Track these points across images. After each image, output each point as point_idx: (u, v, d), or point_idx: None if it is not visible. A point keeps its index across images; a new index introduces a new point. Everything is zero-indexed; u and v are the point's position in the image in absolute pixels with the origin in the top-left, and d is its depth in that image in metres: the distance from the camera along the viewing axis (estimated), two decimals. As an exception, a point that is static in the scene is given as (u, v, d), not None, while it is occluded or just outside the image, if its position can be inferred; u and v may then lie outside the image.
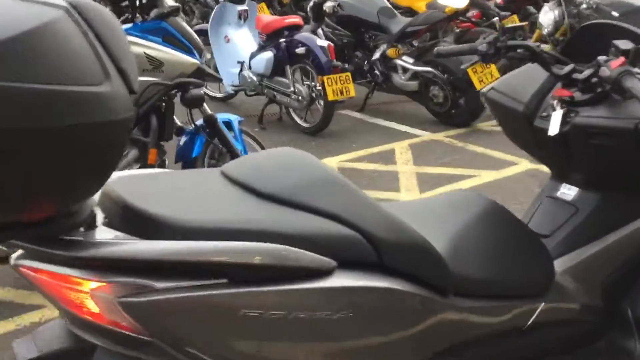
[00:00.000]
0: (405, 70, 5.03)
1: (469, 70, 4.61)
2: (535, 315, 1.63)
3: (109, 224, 1.17)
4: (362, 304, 1.24)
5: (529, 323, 1.62)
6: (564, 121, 1.70)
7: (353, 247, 1.25)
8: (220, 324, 1.15)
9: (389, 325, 1.29)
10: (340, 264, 1.22)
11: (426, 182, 3.89)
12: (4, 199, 0.95)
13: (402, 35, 5.00)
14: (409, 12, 5.80)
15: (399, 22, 5.07)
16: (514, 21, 5.48)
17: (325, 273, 1.20)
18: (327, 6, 5.27)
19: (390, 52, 5.13)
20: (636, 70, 1.50)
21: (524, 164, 4.14)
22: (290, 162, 1.37)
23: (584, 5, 4.61)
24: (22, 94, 0.89)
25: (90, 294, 1.09)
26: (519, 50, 1.84)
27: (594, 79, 1.66)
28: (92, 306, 1.11)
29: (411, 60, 4.98)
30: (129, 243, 1.10)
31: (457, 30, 5.65)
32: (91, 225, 1.13)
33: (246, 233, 1.15)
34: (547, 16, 4.83)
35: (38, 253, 1.10)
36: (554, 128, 1.71)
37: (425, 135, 4.82)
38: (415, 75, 4.99)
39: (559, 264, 1.72)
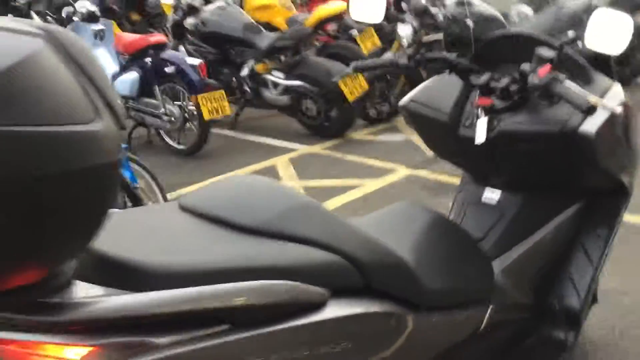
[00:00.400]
0: (275, 85, 5.03)
1: (340, 83, 4.71)
2: (486, 318, 1.68)
3: (80, 276, 1.02)
4: (359, 331, 1.21)
5: (482, 327, 1.67)
6: (489, 128, 1.78)
7: (341, 273, 1.21)
8: None
9: (382, 347, 1.26)
10: (332, 293, 1.18)
11: (316, 196, 3.89)
12: None
13: (271, 51, 4.99)
14: (268, 27, 5.81)
15: (266, 38, 5.06)
16: (371, 34, 5.67)
17: (321, 304, 1.15)
18: (189, 23, 5.14)
19: (259, 67, 5.11)
20: (562, 76, 1.60)
21: (402, 171, 4.30)
22: (259, 191, 1.30)
23: (440, 17, 4.89)
24: (9, 138, 0.75)
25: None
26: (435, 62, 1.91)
27: (513, 87, 1.75)
28: None
29: (282, 75, 4.99)
30: (117, 298, 0.97)
31: (319, 45, 5.75)
32: (69, 281, 0.98)
33: (238, 271, 1.07)
34: (405, 29, 5.06)
35: (6, 321, 0.94)
36: (480, 136, 1.78)
37: (303, 149, 4.85)
38: (286, 90, 5.00)
39: (495, 267, 1.79)
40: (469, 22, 4.90)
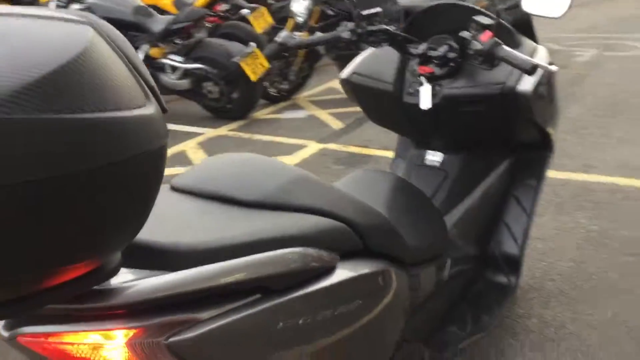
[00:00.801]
0: (174, 69, 4.94)
1: (242, 63, 4.71)
2: (447, 270, 1.82)
3: None
4: (366, 288, 1.28)
5: (446, 279, 1.81)
6: (432, 94, 1.91)
7: (345, 238, 1.27)
8: (262, 343, 1.09)
9: (382, 302, 1.35)
10: (340, 257, 1.25)
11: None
12: (38, 264, 0.77)
13: (166, 34, 4.88)
14: (156, 10, 5.66)
15: (159, 21, 4.93)
16: (263, 13, 5.69)
17: (333, 268, 1.22)
18: (74, 10, 4.89)
19: (154, 52, 4.98)
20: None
21: (312, 145, 4.40)
22: (254, 166, 1.33)
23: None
24: (88, 125, 0.74)
25: (128, 344, 0.95)
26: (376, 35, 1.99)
27: (451, 54, 1.88)
28: (127, 358, 0.97)
29: (180, 59, 4.90)
30: (156, 279, 0.98)
31: (210, 25, 5.68)
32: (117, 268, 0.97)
33: (258, 244, 1.11)
34: (299, 5, 5.13)
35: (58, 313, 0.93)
36: (425, 102, 1.90)
37: (209, 132, 4.81)
38: (186, 73, 4.92)
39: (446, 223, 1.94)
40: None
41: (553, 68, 1.65)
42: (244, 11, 5.74)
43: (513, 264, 2.10)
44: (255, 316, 1.05)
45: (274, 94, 5.45)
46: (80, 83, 0.74)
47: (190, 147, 4.48)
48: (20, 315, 0.91)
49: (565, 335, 2.30)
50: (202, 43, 4.87)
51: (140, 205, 0.85)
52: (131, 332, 0.95)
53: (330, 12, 5.15)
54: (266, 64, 4.89)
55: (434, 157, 2.06)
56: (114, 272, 0.91)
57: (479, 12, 1.82)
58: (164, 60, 4.92)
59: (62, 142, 0.71)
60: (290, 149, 4.36)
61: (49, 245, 0.74)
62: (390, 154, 3.86)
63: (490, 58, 1.71)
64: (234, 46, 4.84)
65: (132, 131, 0.78)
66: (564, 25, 6.57)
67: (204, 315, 0.99)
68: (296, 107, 5.38)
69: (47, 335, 0.95)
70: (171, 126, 4.96)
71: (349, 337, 1.24)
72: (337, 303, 1.19)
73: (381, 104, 2.04)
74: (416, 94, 1.94)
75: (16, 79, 0.69)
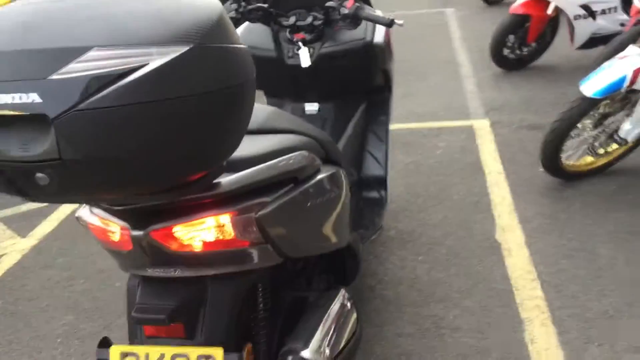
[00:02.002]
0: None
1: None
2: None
3: None
4: (337, 183, 1.75)
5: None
6: (310, 55, 2.40)
7: (317, 149, 1.73)
8: (298, 217, 1.50)
9: (344, 193, 1.82)
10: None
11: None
12: (193, 158, 1.12)
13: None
14: None
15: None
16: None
17: (319, 168, 1.66)
18: None
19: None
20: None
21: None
22: None
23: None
24: (233, 53, 1.11)
25: (232, 220, 1.31)
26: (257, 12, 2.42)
27: (317, 22, 2.39)
28: (226, 234, 1.33)
29: None
30: (235, 176, 1.35)
31: None
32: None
33: (279, 152, 1.51)
34: None
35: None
36: (305, 61, 2.39)
37: None
38: None
39: None
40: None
41: (401, 22, 2.25)
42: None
43: (381, 182, 2.70)
44: (295, 197, 1.47)
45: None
46: (222, 23, 1.10)
47: None
48: (178, 197, 1.22)
49: (417, 235, 2.99)
50: None
51: (243, 125, 1.21)
52: (230, 215, 1.31)
53: None
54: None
55: (311, 107, 2.56)
56: (219, 175, 1.28)
57: None
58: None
59: (208, 66, 1.06)
60: None
61: (202, 151, 1.10)
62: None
63: (355, 19, 2.25)
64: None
65: (247, 60, 1.16)
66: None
67: (269, 199, 1.38)
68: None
69: (172, 226, 1.27)
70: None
71: (335, 216, 1.71)
72: (328, 191, 1.65)
73: (267, 70, 2.47)
74: (296, 57, 2.41)
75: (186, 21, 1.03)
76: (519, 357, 2.19)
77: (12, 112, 0.96)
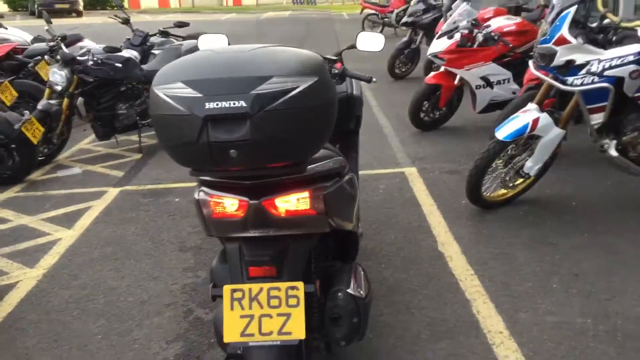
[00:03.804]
0: (-53, 143, 5.08)
1: (23, 129, 5.17)
2: None
3: None
4: (355, 183, 2.50)
5: None
6: None
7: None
8: (341, 199, 2.23)
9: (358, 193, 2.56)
10: None
11: (65, 218, 4.47)
12: (315, 144, 1.88)
13: None
14: None
15: None
16: (8, 87, 6.09)
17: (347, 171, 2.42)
18: None
19: None
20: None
21: (112, 190, 5.13)
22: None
23: (90, 62, 5.79)
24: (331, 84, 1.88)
25: (311, 195, 2.03)
26: None
27: None
28: (305, 205, 2.04)
29: (-49, 131, 5.08)
30: (314, 165, 2.08)
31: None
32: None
33: (330, 156, 2.26)
34: (57, 76, 5.75)
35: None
36: None
37: (-1, 196, 5.09)
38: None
39: None
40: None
41: (375, 79, 3.07)
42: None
43: None
44: (341, 185, 2.20)
45: (39, 158, 5.85)
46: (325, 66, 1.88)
47: (-7, 210, 4.77)
48: (288, 175, 1.95)
49: (377, 250, 3.74)
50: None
51: (332, 127, 1.97)
52: (309, 192, 2.03)
53: (88, 79, 5.86)
54: (42, 128, 5.40)
55: None
56: (309, 163, 2.01)
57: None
58: None
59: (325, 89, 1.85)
60: (94, 196, 5.02)
61: (320, 139, 1.86)
62: (180, 185, 4.90)
63: (342, 77, 3.05)
64: (10, 115, 5.25)
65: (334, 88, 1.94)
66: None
67: (329, 184, 2.12)
68: (64, 167, 5.91)
69: (274, 198, 1.98)
70: (-47, 198, 5.07)
71: (355, 205, 2.44)
72: (352, 187, 2.38)
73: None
74: None
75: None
76: (470, 322, 2.96)
77: (228, 112, 1.69)
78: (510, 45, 5.90)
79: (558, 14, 3.69)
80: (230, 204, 2.04)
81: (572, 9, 3.62)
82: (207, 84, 1.75)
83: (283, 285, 2.05)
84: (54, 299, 3.37)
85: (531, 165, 4.07)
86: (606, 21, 3.91)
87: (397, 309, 3.10)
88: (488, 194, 4.24)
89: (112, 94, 6.10)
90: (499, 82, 6.07)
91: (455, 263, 3.55)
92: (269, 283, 2.06)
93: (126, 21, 7.59)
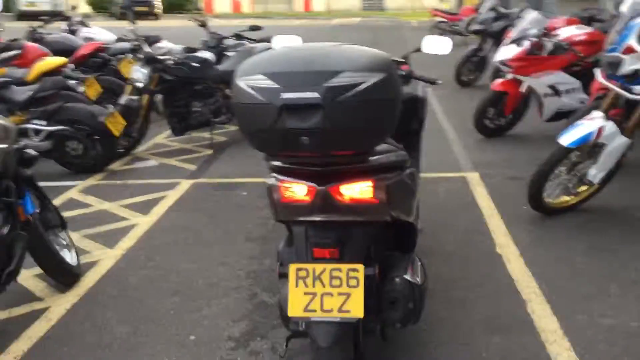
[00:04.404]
0: (37, 132, 5.49)
1: (107, 121, 5.53)
2: None
3: None
4: (416, 178, 2.64)
5: None
6: None
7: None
8: (402, 191, 2.36)
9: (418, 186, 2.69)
10: None
11: (142, 205, 4.78)
12: (379, 135, 2.04)
13: (29, 103, 5.45)
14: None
15: (20, 91, 5.48)
16: (93, 83, 6.49)
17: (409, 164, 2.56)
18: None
19: (14, 120, 5.47)
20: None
21: (185, 182, 5.42)
22: None
23: (170, 61, 6.13)
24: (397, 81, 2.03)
25: (374, 185, 2.18)
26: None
27: None
28: (368, 194, 2.19)
29: (44, 122, 5.48)
30: (377, 157, 2.24)
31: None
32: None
33: (394, 150, 2.40)
34: (139, 73, 6.11)
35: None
36: None
37: (82, 183, 5.45)
38: (49, 135, 5.51)
39: None
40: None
41: (440, 81, 3.19)
42: (72, 82, 6.43)
43: None
44: (402, 177, 2.34)
45: (119, 150, 6.22)
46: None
47: (75, 195, 5.13)
48: (354, 164, 2.11)
49: (435, 248, 3.83)
50: (64, 107, 5.53)
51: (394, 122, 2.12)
52: (372, 181, 2.18)
53: (167, 77, 6.21)
54: (124, 122, 5.76)
55: None
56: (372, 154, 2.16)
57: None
58: (27, 126, 5.45)
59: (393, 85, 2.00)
60: (168, 186, 5.32)
61: (383, 131, 2.02)
62: (248, 180, 5.13)
63: (408, 78, 3.18)
64: (95, 108, 5.63)
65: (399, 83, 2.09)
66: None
67: (392, 175, 2.27)
68: (141, 159, 6.26)
69: (339, 185, 2.13)
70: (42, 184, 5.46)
71: (415, 197, 2.58)
72: (413, 180, 2.52)
73: None
74: None
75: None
76: (524, 321, 3.03)
77: (303, 102, 1.87)
78: (581, 55, 5.88)
79: (626, 23, 3.70)
80: (299, 189, 2.21)
81: (642, 18, 3.64)
82: (284, 76, 1.94)
83: (344, 266, 2.21)
84: (131, 277, 3.64)
85: (595, 173, 4.09)
86: (678, 31, 3.89)
87: (453, 304, 3.20)
88: (550, 200, 4.28)
89: (188, 92, 6.42)
90: (567, 91, 6.05)
91: (513, 265, 3.62)
92: (331, 264, 2.22)
93: (203, 24, 7.95)
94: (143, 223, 4.50)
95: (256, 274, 3.64)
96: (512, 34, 6.46)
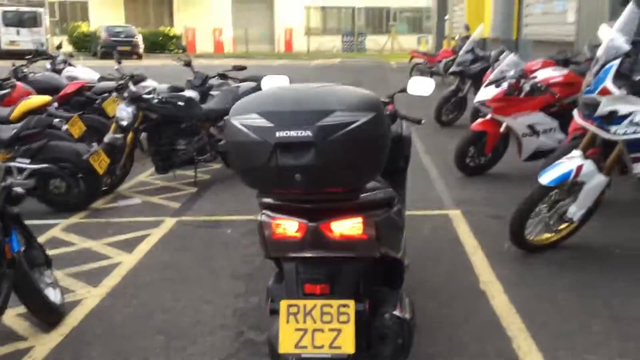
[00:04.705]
0: (21, 171, 5.47)
1: (91, 160, 5.53)
2: None
3: None
4: (404, 214, 2.68)
5: None
6: None
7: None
8: (390, 227, 2.41)
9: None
10: None
11: (125, 244, 4.76)
12: (371, 173, 2.10)
13: (13, 141, 5.45)
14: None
15: (4, 130, 5.48)
16: (77, 121, 6.50)
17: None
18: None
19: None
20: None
21: (168, 220, 5.42)
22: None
23: (155, 100, 6.19)
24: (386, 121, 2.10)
25: (364, 221, 2.23)
26: None
27: None
28: (358, 230, 2.23)
29: (27, 161, 5.47)
30: (368, 194, 2.29)
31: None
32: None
33: (380, 187, 2.46)
34: (124, 112, 6.15)
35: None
36: None
37: (65, 222, 5.42)
38: (32, 174, 5.49)
39: None
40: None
41: (424, 120, 3.28)
42: (56, 121, 6.44)
43: None
44: (390, 214, 2.39)
45: (103, 188, 6.20)
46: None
47: (58, 234, 5.10)
48: (344, 200, 2.16)
49: (422, 284, 3.87)
50: (48, 146, 5.53)
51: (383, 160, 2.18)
52: (362, 218, 2.23)
53: (152, 116, 6.26)
54: (107, 160, 5.77)
55: None
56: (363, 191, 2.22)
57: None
58: (11, 164, 5.43)
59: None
60: (152, 224, 5.31)
61: (375, 169, 2.08)
62: (233, 218, 5.15)
63: (394, 118, 3.26)
64: (79, 146, 5.64)
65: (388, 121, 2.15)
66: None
67: (380, 212, 2.31)
68: (124, 197, 6.25)
69: (330, 222, 2.18)
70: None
71: (402, 233, 2.63)
72: (400, 216, 2.57)
73: None
74: None
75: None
76: (510, 358, 3.07)
77: (297, 140, 1.93)
78: (557, 96, 6.05)
79: (602, 66, 3.84)
80: (290, 226, 2.25)
81: (616, 62, 3.78)
82: (278, 116, 2.00)
83: (335, 302, 2.23)
84: (117, 316, 3.62)
85: (575, 211, 4.18)
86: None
87: (440, 341, 3.23)
88: (532, 237, 4.35)
89: (172, 131, 6.46)
90: (545, 131, 6.20)
91: (497, 301, 3.67)
92: (322, 300, 2.24)
93: (188, 63, 8.05)
94: (127, 261, 4.48)
95: (242, 312, 3.63)
96: (491, 75, 6.62)
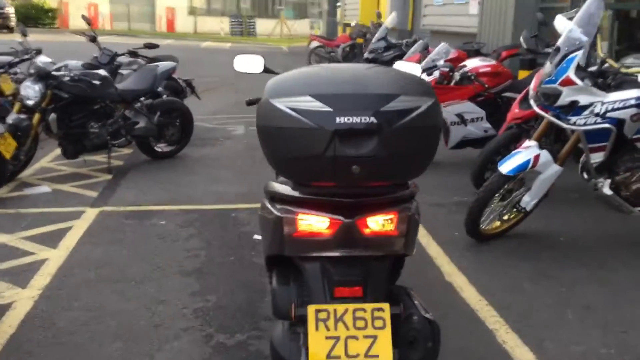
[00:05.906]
0: None
1: (-6, 143, 4.89)
2: None
3: None
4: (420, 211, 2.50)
5: None
6: None
7: None
8: (415, 222, 2.21)
9: None
10: None
11: (49, 237, 4.23)
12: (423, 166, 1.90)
13: None
14: None
15: None
16: None
17: None
18: None
19: None
20: None
21: (89, 211, 4.91)
22: None
23: (67, 78, 5.58)
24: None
25: (397, 217, 2.02)
26: None
27: None
28: (390, 226, 2.02)
29: None
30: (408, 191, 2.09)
31: None
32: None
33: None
34: (29, 90, 5.49)
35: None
36: None
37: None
38: None
39: None
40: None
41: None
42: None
43: None
44: (418, 209, 2.19)
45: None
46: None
47: (-37, 226, 4.46)
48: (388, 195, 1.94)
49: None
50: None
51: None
52: (396, 213, 2.02)
53: (64, 95, 5.63)
54: (14, 143, 5.13)
55: None
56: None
57: None
58: None
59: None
60: (72, 215, 4.78)
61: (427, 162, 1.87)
62: (164, 207, 4.76)
63: None
64: (-18, 128, 4.96)
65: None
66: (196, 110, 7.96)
67: (412, 206, 2.11)
68: (30, 185, 5.60)
69: (366, 217, 1.95)
70: None
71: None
72: (418, 213, 2.38)
73: None
74: None
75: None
76: (499, 352, 2.99)
77: (359, 127, 1.69)
78: (486, 86, 6.13)
79: (564, 56, 3.86)
80: (318, 222, 1.99)
81: (580, 53, 3.81)
82: (338, 99, 1.73)
83: (369, 306, 2.01)
84: (59, 321, 3.16)
85: (528, 200, 4.21)
86: (605, 66, 4.12)
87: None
88: (484, 226, 4.34)
89: (85, 112, 5.87)
90: (472, 120, 6.27)
91: (467, 293, 3.60)
92: (353, 304, 2.01)
93: (93, 39, 7.38)
94: (54, 258, 3.98)
95: (204, 312, 3.30)
96: (422, 64, 6.60)
